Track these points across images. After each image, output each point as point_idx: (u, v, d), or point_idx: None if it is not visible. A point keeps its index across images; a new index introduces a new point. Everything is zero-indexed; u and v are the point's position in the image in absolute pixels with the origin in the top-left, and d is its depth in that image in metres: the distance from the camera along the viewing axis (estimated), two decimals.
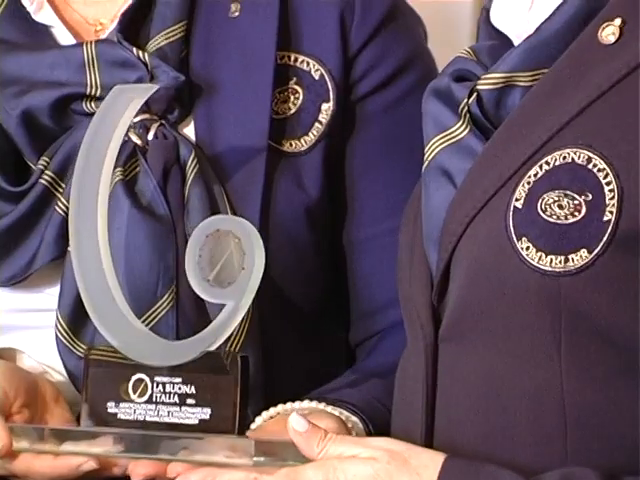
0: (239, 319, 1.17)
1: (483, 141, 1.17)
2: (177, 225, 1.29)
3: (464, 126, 1.20)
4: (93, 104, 1.31)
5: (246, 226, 1.15)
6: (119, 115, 1.22)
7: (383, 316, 1.35)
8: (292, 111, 1.34)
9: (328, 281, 1.38)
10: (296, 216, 1.31)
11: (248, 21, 1.35)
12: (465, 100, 1.20)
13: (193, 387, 1.17)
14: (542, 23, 1.19)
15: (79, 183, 1.20)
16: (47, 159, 1.31)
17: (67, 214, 1.31)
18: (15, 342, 1.35)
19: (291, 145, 1.34)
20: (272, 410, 1.21)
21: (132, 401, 1.19)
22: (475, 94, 1.19)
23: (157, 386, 1.18)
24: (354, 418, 1.22)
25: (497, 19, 1.24)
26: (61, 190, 1.31)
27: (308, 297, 1.34)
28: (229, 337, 1.20)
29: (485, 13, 1.25)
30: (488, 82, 1.20)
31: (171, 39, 1.35)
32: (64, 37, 1.35)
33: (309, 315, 1.34)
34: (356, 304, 1.38)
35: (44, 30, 1.37)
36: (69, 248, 1.27)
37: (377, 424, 1.23)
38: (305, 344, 1.34)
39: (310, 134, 1.34)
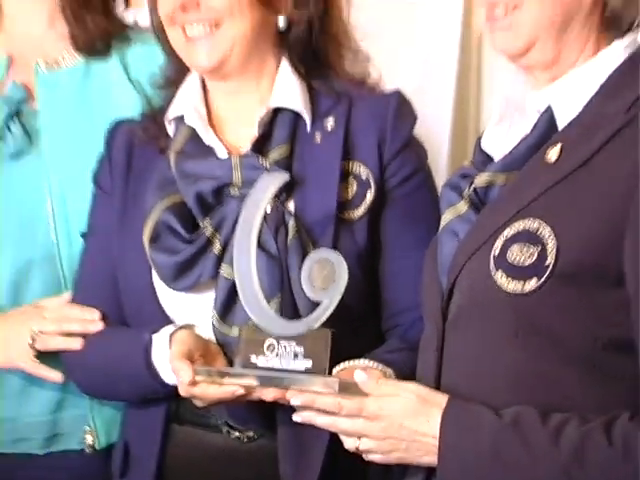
0: (330, 312, 1.40)
1: (476, 214, 1.38)
2: (282, 259, 1.54)
3: (466, 205, 1.39)
4: (236, 190, 1.57)
5: (338, 256, 1.42)
6: (268, 189, 1.49)
7: (405, 315, 1.56)
8: (349, 196, 1.58)
9: (369, 295, 1.60)
10: (352, 256, 1.50)
11: (326, 145, 1.58)
12: (467, 190, 1.39)
13: (302, 348, 1.42)
14: (512, 148, 1.38)
15: (241, 231, 1.47)
16: (209, 220, 1.56)
17: (220, 254, 1.55)
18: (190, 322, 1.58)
19: (349, 216, 1.58)
20: (343, 364, 1.48)
21: (265, 355, 1.44)
22: (473, 187, 1.38)
23: (281, 347, 1.44)
24: (389, 370, 1.47)
25: (485, 145, 1.42)
26: (217, 238, 1.56)
27: (359, 303, 1.55)
28: (325, 323, 1.42)
29: (478, 141, 1.43)
30: (480, 180, 1.38)
31: (282, 153, 1.58)
32: (221, 152, 1.60)
33: (359, 314, 1.56)
34: (387, 307, 1.60)
35: (210, 148, 1.60)
36: (220, 271, 1.54)
37: (403, 376, 1.45)
38: (356, 330, 1.54)
39: (360, 209, 1.58)
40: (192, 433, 1.58)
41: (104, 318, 1.65)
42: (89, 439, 1.74)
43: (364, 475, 1.50)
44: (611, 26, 1.35)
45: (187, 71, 1.64)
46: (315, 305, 1.42)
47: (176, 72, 1.65)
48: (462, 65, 2.17)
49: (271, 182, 1.49)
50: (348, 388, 1.34)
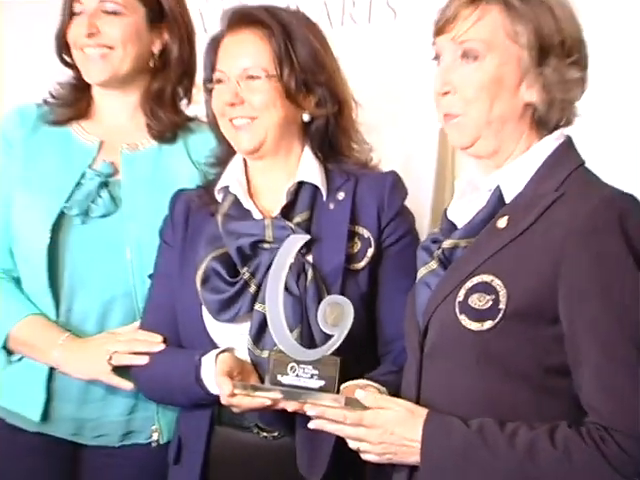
0: (339, 343, 1.35)
1: (444, 270, 1.33)
2: (302, 299, 1.47)
3: (436, 263, 1.34)
4: (268, 244, 1.50)
5: (346, 301, 1.36)
6: (294, 246, 1.42)
7: (395, 344, 1.47)
8: (355, 252, 1.51)
9: (369, 328, 1.51)
10: (356, 299, 1.43)
11: (337, 212, 1.52)
12: (437, 251, 1.35)
13: (317, 370, 1.36)
14: (471, 219, 1.33)
15: (272, 276, 1.39)
16: (247, 267, 1.51)
17: (255, 293, 1.48)
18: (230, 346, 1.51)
19: (354, 267, 1.51)
20: (348, 383, 1.39)
21: (288, 375, 1.37)
22: (441, 249, 1.34)
23: (300, 369, 1.37)
24: (383, 389, 1.39)
25: (450, 216, 1.37)
26: (253, 282, 1.49)
27: (361, 336, 1.46)
28: (334, 352, 1.36)
29: (444, 212, 1.39)
30: (447, 244, 1.33)
31: (304, 217, 1.52)
32: (257, 215, 1.54)
33: (360, 344, 1.46)
34: (381, 338, 1.52)
35: (248, 211, 1.55)
36: (254, 307, 1.47)
37: (393, 393, 1.36)
38: (359, 356, 1.44)
39: (363, 262, 1.51)
40: (230, 432, 1.51)
41: (165, 341, 1.58)
42: (155, 436, 1.66)
43: (362, 468, 1.40)
44: (540, 125, 1.30)
45: (233, 153, 1.61)
46: (328, 337, 1.39)
47: (224, 154, 1.61)
48: (440, 154, 2.09)
49: (295, 240, 1.44)
50: (352, 402, 1.30)
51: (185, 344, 1.57)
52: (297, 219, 1.53)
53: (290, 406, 1.36)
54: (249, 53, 1.50)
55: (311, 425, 1.33)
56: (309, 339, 1.46)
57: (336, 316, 1.36)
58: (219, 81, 1.53)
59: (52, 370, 1.65)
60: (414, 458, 1.26)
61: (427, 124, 1.97)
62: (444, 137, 2.02)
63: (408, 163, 1.95)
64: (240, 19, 1.52)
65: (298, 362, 1.37)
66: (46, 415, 1.64)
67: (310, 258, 1.51)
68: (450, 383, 1.28)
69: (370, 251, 1.52)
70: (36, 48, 2.32)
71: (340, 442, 1.36)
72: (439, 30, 1.30)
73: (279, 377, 1.38)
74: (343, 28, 2.12)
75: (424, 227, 1.63)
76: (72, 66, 1.70)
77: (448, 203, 1.41)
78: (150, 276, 1.64)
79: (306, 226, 1.53)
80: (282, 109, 1.52)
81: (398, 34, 2.11)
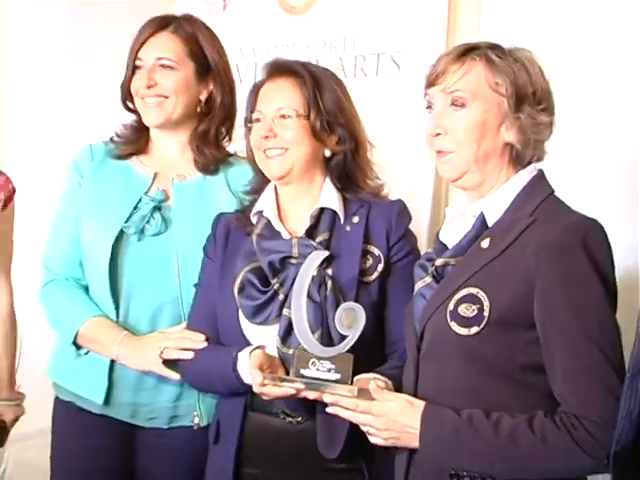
0: (353, 342, 1.36)
1: (437, 284, 1.34)
2: (322, 306, 1.46)
3: (430, 278, 1.35)
4: (295, 260, 1.50)
5: (359, 307, 1.37)
6: (315, 261, 1.42)
7: (399, 344, 1.45)
8: (367, 266, 1.51)
9: (377, 330, 1.51)
10: (368, 307, 1.42)
11: (353, 233, 1.52)
12: (430, 268, 1.36)
13: (334, 365, 1.37)
14: (459, 240, 1.34)
15: (297, 286, 1.40)
16: (277, 279, 1.51)
17: (283, 301, 1.48)
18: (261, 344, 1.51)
19: (366, 280, 1.51)
20: (360, 376, 1.38)
21: (310, 369, 1.38)
22: (434, 266, 1.35)
23: (320, 364, 1.38)
24: (389, 382, 1.39)
25: (442, 238, 1.38)
26: (281, 291, 1.49)
27: (371, 337, 1.45)
28: (349, 350, 1.37)
29: (437, 234, 1.39)
30: (439, 262, 1.35)
31: (324, 237, 1.53)
32: (285, 235, 1.55)
33: (370, 343, 1.46)
34: (388, 339, 1.51)
35: (278, 232, 1.55)
36: (282, 312, 1.47)
37: (398, 385, 1.37)
38: (369, 354, 1.44)
39: (373, 276, 1.51)
40: (261, 417, 1.51)
41: (207, 339, 1.58)
42: (196, 419, 1.67)
43: (372, 449, 1.39)
44: (517, 161, 1.33)
45: (266, 183, 1.62)
46: (343, 337, 1.40)
47: (259, 184, 1.63)
48: (436, 187, 2.11)
49: (317, 256, 1.45)
50: (363, 393, 1.31)
51: (224, 342, 1.58)
52: (319, 238, 1.54)
53: (311, 395, 1.38)
54: (283, 96, 1.53)
55: (329, 410, 1.34)
56: (328, 339, 1.46)
57: (351, 320, 1.37)
58: (257, 120, 1.56)
59: (113, 362, 1.67)
60: (415, 443, 1.27)
61: (425, 162, 1.98)
62: (439, 175, 2.09)
63: (410, 194, 1.98)
64: (278, 69, 1.55)
65: (318, 358, 1.38)
66: (108, 400, 1.67)
67: (330, 271, 1.52)
68: (442, 379, 1.29)
69: (380, 266, 1.53)
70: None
71: (354, 427, 1.37)
72: (431, 83, 1.32)
73: (302, 370, 1.39)
74: (355, 79, 2.16)
75: (422, 247, 1.61)
76: (134, 111, 1.74)
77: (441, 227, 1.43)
78: (195, 285, 1.65)
79: (326, 245, 1.54)
80: (308, 145, 1.54)
81: (401, 85, 2.14)
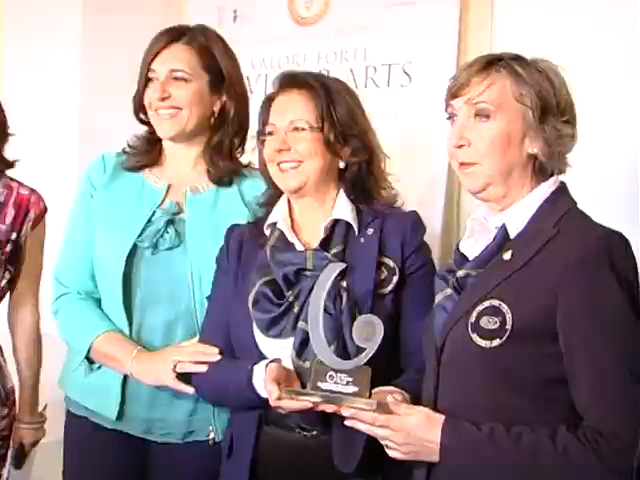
0: (370, 355, 1.34)
1: (458, 296, 1.34)
2: (338, 318, 1.46)
3: (451, 290, 1.35)
4: (309, 272, 1.50)
5: (378, 320, 1.36)
6: (331, 273, 1.43)
7: (416, 356, 1.43)
8: (382, 278, 1.50)
9: (392, 343, 1.50)
10: (384, 318, 1.39)
11: (367, 245, 1.51)
12: (451, 280, 1.35)
13: (351, 378, 1.35)
14: (480, 252, 1.33)
15: (313, 299, 1.41)
16: (292, 292, 1.51)
17: (298, 313, 1.47)
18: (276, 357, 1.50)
19: (381, 292, 1.50)
20: (377, 389, 1.37)
21: (327, 382, 1.37)
22: (455, 277, 1.35)
23: (337, 376, 1.36)
24: (407, 395, 1.38)
25: (463, 248, 1.37)
26: (296, 303, 1.49)
27: (388, 349, 1.43)
28: (366, 362, 1.36)
29: (457, 246, 1.39)
30: (460, 274, 1.34)
31: (339, 249, 1.52)
32: (299, 247, 1.54)
33: (387, 355, 1.44)
34: (403, 350, 1.51)
35: (292, 244, 1.55)
36: (298, 325, 1.47)
37: (415, 397, 1.36)
38: (386, 366, 1.43)
39: (389, 288, 1.51)
40: (275, 431, 1.51)
41: (221, 352, 1.57)
42: (212, 434, 1.66)
43: (390, 463, 1.35)
44: (540, 173, 1.32)
45: (279, 195, 1.61)
46: (359, 350, 1.38)
47: (272, 196, 1.62)
48: (447, 199, 2.08)
49: (333, 268, 1.45)
50: (382, 406, 1.30)
51: (238, 355, 1.57)
52: (333, 251, 1.54)
53: (328, 408, 1.37)
54: (296, 109, 1.53)
55: (347, 423, 1.33)
56: (343, 352, 1.46)
57: (369, 332, 1.36)
58: (270, 133, 1.55)
59: (126, 377, 1.67)
60: (434, 457, 1.26)
61: (437, 173, 1.97)
62: (451, 185, 2.04)
63: (421, 204, 1.95)
64: (290, 82, 1.55)
65: (335, 371, 1.37)
66: (121, 415, 1.66)
67: (345, 284, 1.51)
68: (463, 391, 1.29)
69: (395, 278, 1.52)
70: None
71: (371, 440, 1.35)
72: (454, 94, 1.31)
73: (319, 384, 1.38)
74: (367, 90, 2.16)
75: (435, 257, 1.61)
76: (147, 123, 1.74)
77: (454, 239, 1.47)
78: (208, 298, 1.64)
79: (341, 257, 1.53)
80: (322, 157, 1.53)
81: (413, 96, 2.14)
